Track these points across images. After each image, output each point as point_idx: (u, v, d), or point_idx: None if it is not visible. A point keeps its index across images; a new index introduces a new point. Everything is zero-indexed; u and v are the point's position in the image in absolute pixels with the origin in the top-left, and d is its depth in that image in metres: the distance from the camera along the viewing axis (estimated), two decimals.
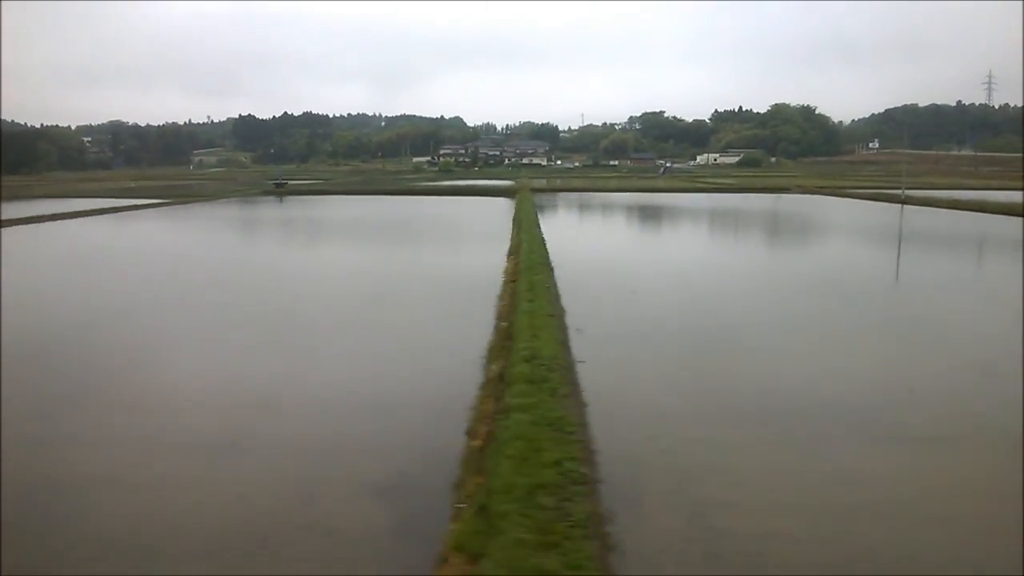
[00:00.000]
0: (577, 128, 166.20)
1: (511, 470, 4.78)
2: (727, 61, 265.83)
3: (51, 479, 5.35)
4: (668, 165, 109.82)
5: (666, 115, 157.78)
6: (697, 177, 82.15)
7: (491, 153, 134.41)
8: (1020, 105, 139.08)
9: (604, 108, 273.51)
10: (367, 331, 10.43)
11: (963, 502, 4.92)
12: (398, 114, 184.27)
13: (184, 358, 9.06)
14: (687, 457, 5.59)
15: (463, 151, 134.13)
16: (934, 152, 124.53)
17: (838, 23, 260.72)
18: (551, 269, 14.26)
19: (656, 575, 3.99)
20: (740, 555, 4.14)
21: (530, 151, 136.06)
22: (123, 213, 31.98)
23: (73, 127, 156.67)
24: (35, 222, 26.85)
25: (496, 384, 7.13)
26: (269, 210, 36.82)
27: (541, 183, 65.95)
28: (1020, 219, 27.86)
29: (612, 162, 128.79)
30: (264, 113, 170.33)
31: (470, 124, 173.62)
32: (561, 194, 50.13)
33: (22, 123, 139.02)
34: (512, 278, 12.97)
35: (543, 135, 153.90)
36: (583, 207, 38.91)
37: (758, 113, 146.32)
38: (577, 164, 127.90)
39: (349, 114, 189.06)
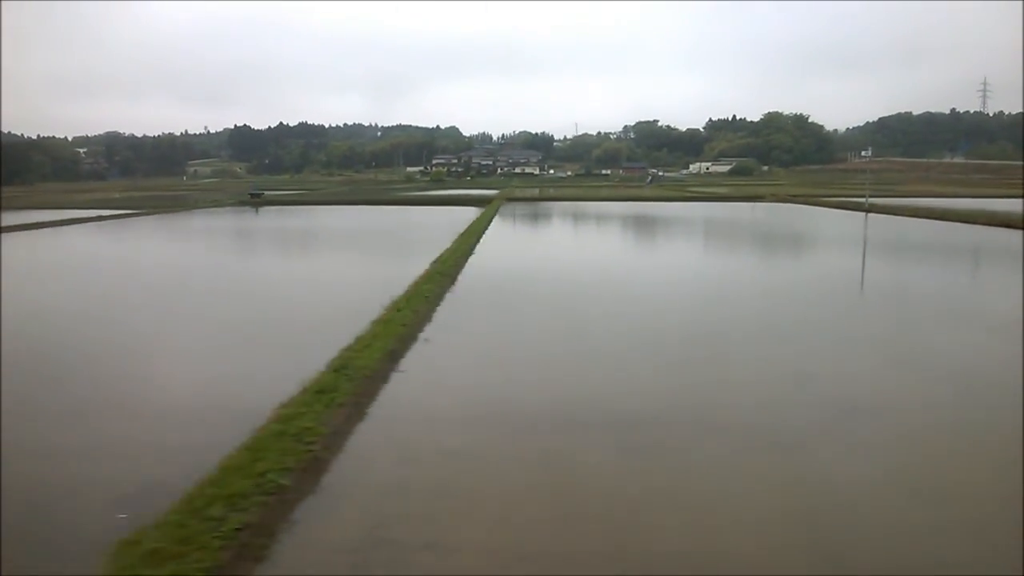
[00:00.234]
0: (571, 137, 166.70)
1: (215, 480, 4.81)
2: (725, 69, 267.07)
3: None
4: (657, 174, 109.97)
5: (660, 124, 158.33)
6: (683, 186, 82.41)
7: (484, 163, 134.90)
8: (1015, 112, 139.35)
9: (601, 117, 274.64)
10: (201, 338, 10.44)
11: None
12: (394, 124, 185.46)
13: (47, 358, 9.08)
14: (422, 470, 5.57)
15: (455, 161, 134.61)
16: (925, 160, 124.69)
17: (835, 30, 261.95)
18: (452, 279, 14.32)
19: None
20: (393, 563, 4.16)
21: (522, 161, 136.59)
22: (84, 224, 32.11)
23: (70, 138, 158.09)
24: None
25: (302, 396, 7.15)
26: (232, 220, 36.90)
27: (524, 193, 66.41)
28: (974, 226, 28.00)
29: (604, 171, 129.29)
30: (261, 124, 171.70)
31: (466, 134, 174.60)
32: (540, 203, 50.14)
33: (18, 134, 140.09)
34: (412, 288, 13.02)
35: (537, 145, 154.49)
36: (550, 216, 38.94)
37: (751, 122, 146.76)
38: (569, 173, 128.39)
39: (345, 124, 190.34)
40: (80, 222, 32.81)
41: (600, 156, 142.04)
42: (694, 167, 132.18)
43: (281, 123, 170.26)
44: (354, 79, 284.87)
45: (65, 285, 15.73)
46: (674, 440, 6.19)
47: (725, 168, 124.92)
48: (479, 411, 6.99)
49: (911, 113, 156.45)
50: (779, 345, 9.64)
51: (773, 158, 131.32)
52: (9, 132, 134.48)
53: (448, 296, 12.64)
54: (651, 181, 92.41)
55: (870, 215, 35.30)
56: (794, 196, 49.70)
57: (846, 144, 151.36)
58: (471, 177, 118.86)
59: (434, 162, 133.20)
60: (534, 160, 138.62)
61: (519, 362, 8.87)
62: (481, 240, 22.65)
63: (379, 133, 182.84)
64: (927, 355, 9.15)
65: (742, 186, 76.39)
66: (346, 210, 43.41)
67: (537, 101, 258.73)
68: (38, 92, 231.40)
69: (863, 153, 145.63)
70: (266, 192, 57.99)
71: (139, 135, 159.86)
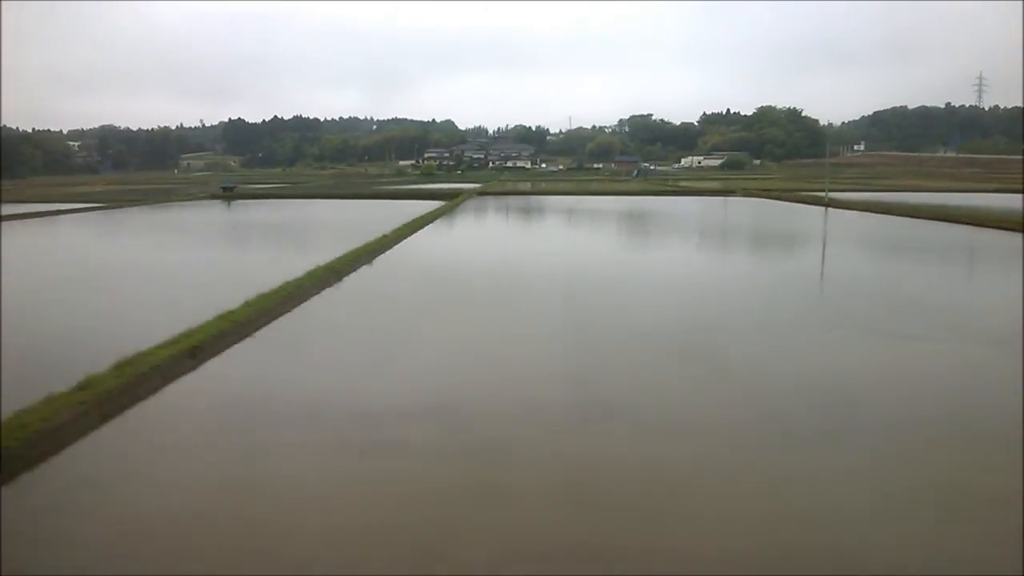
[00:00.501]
0: (565, 131, 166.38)
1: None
2: (722, 65, 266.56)
3: None
4: (648, 167, 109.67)
5: (654, 118, 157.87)
6: (668, 180, 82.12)
7: (475, 156, 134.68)
8: (1010, 107, 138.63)
9: (598, 111, 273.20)
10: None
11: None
12: (390, 118, 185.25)
13: None
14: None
15: (447, 154, 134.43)
16: (917, 154, 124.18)
17: (831, 26, 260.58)
18: (339, 275, 14.41)
19: None
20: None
21: (514, 154, 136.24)
22: (36, 220, 32.18)
23: (65, 131, 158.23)
24: None
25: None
26: (187, 214, 36.87)
27: (505, 187, 66.44)
28: (932, 222, 27.75)
29: (597, 165, 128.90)
30: (258, 118, 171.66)
31: (462, 127, 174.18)
32: (514, 197, 50.14)
33: (13, 127, 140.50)
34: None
35: (531, 138, 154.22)
36: (508, 211, 38.93)
37: (745, 116, 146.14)
38: (561, 167, 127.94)
39: (340, 118, 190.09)
40: (35, 216, 32.93)
41: (593, 150, 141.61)
42: (686, 161, 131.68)
43: (276, 116, 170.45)
44: (351, 73, 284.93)
45: None
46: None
47: (717, 162, 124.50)
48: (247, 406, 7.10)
49: (906, 107, 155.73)
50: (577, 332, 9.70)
51: (766, 152, 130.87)
52: (5, 126, 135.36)
53: (343, 286, 12.69)
54: (637, 175, 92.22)
55: (830, 210, 35.31)
56: (766, 191, 49.61)
57: (840, 138, 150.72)
58: (462, 171, 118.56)
59: (426, 156, 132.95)
60: (526, 154, 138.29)
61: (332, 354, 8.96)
62: (408, 239, 22.60)
63: (375, 127, 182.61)
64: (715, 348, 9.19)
65: (729, 180, 76.12)
66: (313, 204, 43.47)
67: (534, 95, 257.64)
68: (36, 86, 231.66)
69: (856, 147, 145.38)
70: (239, 186, 58.11)
71: (135, 129, 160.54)
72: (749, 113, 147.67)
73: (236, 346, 9.19)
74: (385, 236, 20.99)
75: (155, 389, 7.43)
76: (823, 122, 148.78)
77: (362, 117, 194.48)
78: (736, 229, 28.68)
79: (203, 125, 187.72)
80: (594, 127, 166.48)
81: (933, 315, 11.36)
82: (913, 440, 6.25)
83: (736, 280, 15.55)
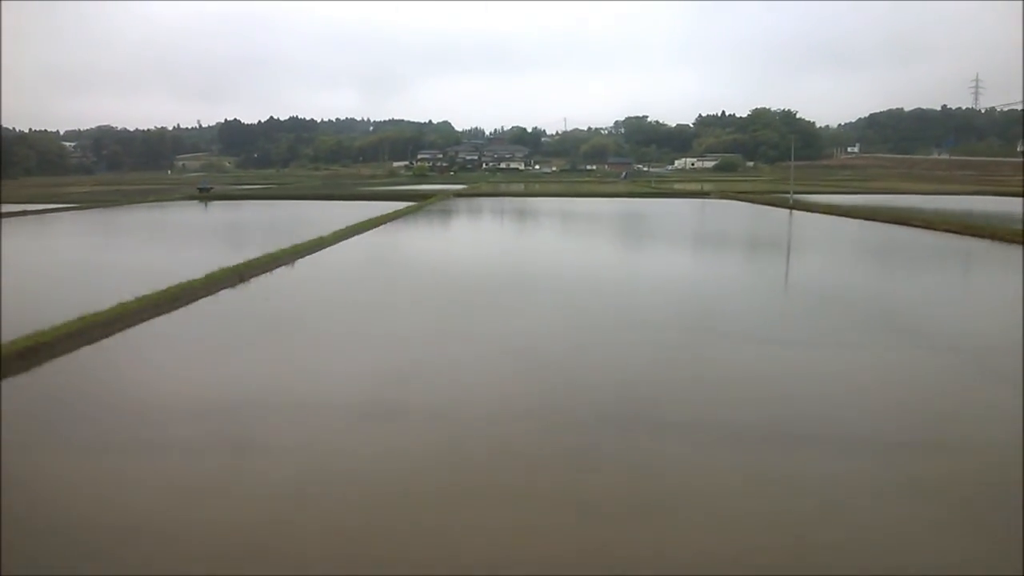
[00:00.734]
0: (560, 133, 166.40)
1: None
2: (719, 66, 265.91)
3: None
4: (641, 168, 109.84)
5: (650, 120, 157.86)
6: (653, 182, 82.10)
7: (469, 158, 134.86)
8: (1006, 109, 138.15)
9: (594, 113, 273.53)
10: None
11: None
12: (386, 119, 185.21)
13: None
14: None
15: (440, 156, 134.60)
16: (910, 157, 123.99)
17: (829, 28, 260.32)
18: (243, 277, 14.47)
19: None
20: None
21: (508, 156, 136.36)
22: (7, 219, 32.31)
23: (61, 132, 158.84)
24: None
25: None
26: (155, 215, 36.95)
27: (489, 188, 66.64)
28: (894, 226, 27.63)
29: (590, 167, 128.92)
30: (254, 119, 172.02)
31: (459, 128, 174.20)
32: (494, 199, 50.24)
33: (9, 128, 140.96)
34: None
35: (526, 140, 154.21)
36: (486, 211, 38.99)
37: (740, 118, 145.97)
38: (554, 169, 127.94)
39: (337, 119, 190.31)
40: (10, 216, 33.00)
41: (588, 151, 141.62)
42: (679, 163, 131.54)
43: (272, 117, 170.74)
44: (348, 74, 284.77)
45: None
46: None
47: (710, 164, 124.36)
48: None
49: (902, 109, 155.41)
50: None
51: (759, 154, 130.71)
52: (2, 127, 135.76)
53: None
54: (625, 177, 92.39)
55: (794, 212, 35.31)
56: (742, 193, 49.68)
57: (836, 140, 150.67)
58: (454, 172, 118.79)
59: (419, 157, 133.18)
60: (520, 156, 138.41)
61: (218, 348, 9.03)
62: (347, 242, 22.61)
63: (371, 128, 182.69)
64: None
65: (714, 182, 76.15)
66: (289, 205, 43.53)
67: (531, 97, 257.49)
68: (33, 86, 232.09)
69: (850, 149, 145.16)
70: (224, 187, 58.42)
71: (131, 129, 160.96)
72: (744, 115, 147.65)
73: (84, 348, 9.24)
74: (322, 238, 21.08)
75: None
76: (819, 124, 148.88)
77: (359, 118, 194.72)
78: (678, 231, 28.49)
79: (200, 126, 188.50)
80: (590, 129, 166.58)
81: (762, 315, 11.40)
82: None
83: (627, 279, 15.54)
